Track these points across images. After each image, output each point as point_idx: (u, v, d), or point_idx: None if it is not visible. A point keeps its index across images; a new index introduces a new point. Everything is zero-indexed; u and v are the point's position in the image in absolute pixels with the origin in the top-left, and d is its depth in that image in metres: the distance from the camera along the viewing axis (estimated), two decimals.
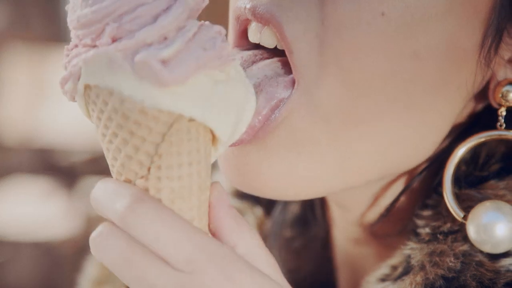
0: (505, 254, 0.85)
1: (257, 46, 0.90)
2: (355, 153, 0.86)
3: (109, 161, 0.76)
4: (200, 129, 0.75)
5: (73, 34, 0.76)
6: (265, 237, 1.08)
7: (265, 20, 0.85)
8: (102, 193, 0.75)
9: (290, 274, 1.08)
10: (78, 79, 0.75)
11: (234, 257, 0.73)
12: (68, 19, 0.76)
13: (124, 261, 0.73)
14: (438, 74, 0.85)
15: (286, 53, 0.85)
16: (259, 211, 1.10)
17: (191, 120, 0.74)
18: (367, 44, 0.82)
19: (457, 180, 0.90)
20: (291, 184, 0.87)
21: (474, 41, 0.85)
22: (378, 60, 0.83)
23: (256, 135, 0.86)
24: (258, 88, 0.87)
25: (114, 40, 0.73)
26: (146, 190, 0.75)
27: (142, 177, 0.75)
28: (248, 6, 0.86)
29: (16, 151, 5.03)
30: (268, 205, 1.10)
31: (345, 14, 0.82)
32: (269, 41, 0.87)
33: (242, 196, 1.10)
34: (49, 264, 4.40)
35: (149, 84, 0.73)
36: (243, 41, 0.91)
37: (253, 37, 0.89)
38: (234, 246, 0.76)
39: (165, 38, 0.73)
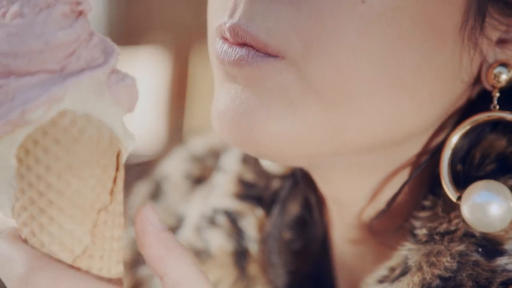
0: (501, 253, 0.86)
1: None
2: (347, 128, 0.87)
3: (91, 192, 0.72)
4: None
5: (14, 62, 0.69)
6: (265, 239, 1.09)
7: (241, 37, 0.86)
8: None
9: (290, 276, 1.08)
10: (48, 107, 0.69)
11: None
12: (17, 46, 0.69)
13: None
14: (422, 55, 0.86)
15: (262, 51, 0.85)
16: (260, 212, 1.10)
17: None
18: (349, 29, 0.84)
19: (455, 180, 0.90)
20: (285, 143, 0.87)
21: (455, 22, 0.87)
22: (362, 44, 0.84)
23: (248, 78, 0.86)
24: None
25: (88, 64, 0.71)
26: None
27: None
28: (226, 26, 0.87)
29: None
30: (269, 206, 1.10)
31: (322, 2, 0.84)
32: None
33: (243, 197, 1.11)
34: None
35: (121, 112, 0.73)
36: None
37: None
38: (164, 275, 0.74)
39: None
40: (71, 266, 0.72)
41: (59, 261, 0.71)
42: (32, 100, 0.67)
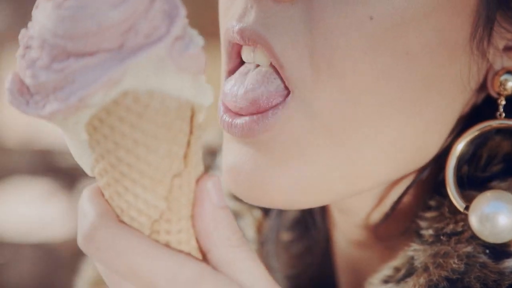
0: (508, 255, 0.85)
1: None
2: (360, 157, 0.86)
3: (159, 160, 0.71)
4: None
5: (71, 44, 0.68)
6: (263, 241, 1.08)
7: (253, 41, 0.86)
8: (79, 207, 0.73)
9: (290, 280, 1.07)
10: (108, 90, 0.68)
11: (200, 277, 0.69)
12: (72, 29, 0.68)
13: (107, 281, 0.73)
14: (431, 70, 0.85)
15: (277, 68, 0.85)
16: (258, 213, 1.08)
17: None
18: (357, 48, 0.82)
19: (460, 181, 0.89)
20: (298, 194, 0.86)
21: (464, 34, 0.86)
22: (370, 62, 0.83)
23: (254, 133, 0.85)
24: (250, 88, 0.87)
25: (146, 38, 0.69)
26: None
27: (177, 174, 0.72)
28: (235, 29, 0.86)
29: (16, 152, 5.03)
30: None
31: (332, 21, 0.82)
32: (262, 60, 0.87)
33: None
34: (49, 266, 4.40)
35: (189, 77, 0.71)
36: (237, 62, 0.91)
37: (247, 57, 0.89)
38: (207, 252, 0.72)
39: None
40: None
41: (122, 223, 0.71)
42: (92, 83, 0.66)
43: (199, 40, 0.71)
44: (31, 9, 0.71)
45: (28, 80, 0.69)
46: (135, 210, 0.72)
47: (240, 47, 0.89)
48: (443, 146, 0.91)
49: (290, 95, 0.85)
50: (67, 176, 4.83)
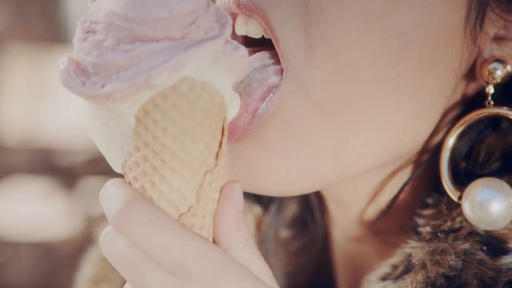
0: (506, 251, 0.85)
1: (245, 41, 0.91)
2: (351, 140, 0.86)
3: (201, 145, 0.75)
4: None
5: (140, 28, 0.73)
6: (263, 238, 1.08)
7: (249, 10, 0.86)
8: (102, 195, 0.76)
9: (289, 277, 1.08)
10: (171, 74, 0.72)
11: (226, 262, 0.73)
12: (143, 13, 0.73)
13: (125, 264, 0.74)
14: (425, 51, 0.85)
15: (273, 41, 0.86)
16: (258, 210, 1.09)
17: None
18: (352, 24, 0.83)
19: (458, 177, 0.90)
20: (292, 178, 0.87)
21: (459, 17, 0.86)
22: (364, 39, 0.83)
23: (250, 128, 0.86)
24: (248, 78, 0.87)
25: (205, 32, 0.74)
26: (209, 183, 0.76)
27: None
28: None
29: (16, 151, 5.03)
30: (268, 203, 1.10)
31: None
32: (255, 31, 0.88)
33: None
34: (49, 265, 4.40)
35: (232, 79, 0.77)
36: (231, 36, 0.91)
37: (240, 30, 0.89)
38: (228, 247, 0.75)
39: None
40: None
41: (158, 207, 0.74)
42: (158, 67, 0.71)
43: (244, 48, 0.77)
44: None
45: (92, 60, 0.72)
46: (166, 200, 0.75)
47: (234, 20, 0.89)
48: (437, 141, 0.91)
49: (284, 74, 0.85)
50: (66, 175, 4.84)
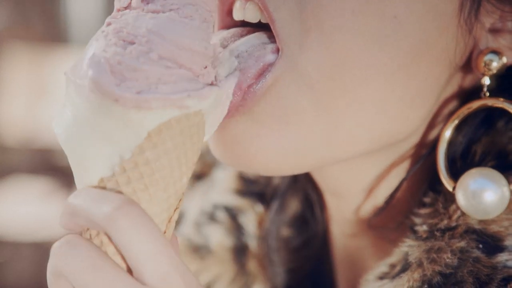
0: (501, 249, 0.86)
1: (243, 25, 0.92)
2: (343, 122, 0.87)
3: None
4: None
5: (179, 53, 0.78)
6: (264, 235, 1.09)
7: None
8: (84, 198, 0.76)
9: (291, 273, 1.08)
10: (199, 102, 0.78)
11: (198, 282, 0.76)
12: (187, 41, 0.79)
13: (93, 269, 0.74)
14: (419, 37, 0.86)
15: (269, 23, 0.87)
16: (260, 208, 1.10)
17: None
18: (346, 7, 0.84)
19: (455, 174, 0.90)
20: (281, 156, 0.88)
21: (453, 6, 0.87)
22: (359, 23, 0.84)
23: (243, 104, 0.86)
24: (245, 54, 0.88)
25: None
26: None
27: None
28: None
29: (16, 151, 5.03)
30: (270, 202, 1.10)
31: None
32: (252, 15, 0.89)
33: (243, 193, 1.11)
34: None
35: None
36: (228, 21, 0.93)
37: (237, 15, 0.91)
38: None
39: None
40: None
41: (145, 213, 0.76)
42: (193, 91, 0.77)
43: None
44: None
45: (138, 65, 0.76)
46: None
47: (231, 5, 0.91)
48: (435, 136, 0.92)
49: (280, 54, 0.86)
50: (66, 175, 4.83)
